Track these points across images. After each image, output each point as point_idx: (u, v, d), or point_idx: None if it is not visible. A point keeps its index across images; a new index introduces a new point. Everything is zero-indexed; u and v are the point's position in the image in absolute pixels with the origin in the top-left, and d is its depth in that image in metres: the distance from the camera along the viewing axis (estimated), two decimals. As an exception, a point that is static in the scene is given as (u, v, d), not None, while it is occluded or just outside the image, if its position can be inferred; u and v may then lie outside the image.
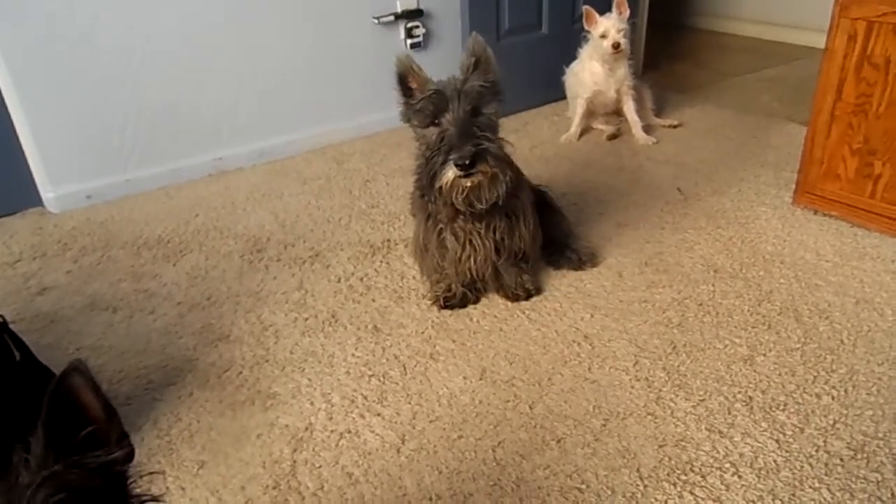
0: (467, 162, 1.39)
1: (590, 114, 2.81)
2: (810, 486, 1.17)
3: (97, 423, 0.65)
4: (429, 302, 1.72)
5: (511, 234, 1.62)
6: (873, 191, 1.91)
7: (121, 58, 2.27)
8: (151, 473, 0.71)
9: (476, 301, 1.73)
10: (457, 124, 1.42)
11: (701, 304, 1.67)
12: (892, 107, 1.80)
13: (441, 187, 1.45)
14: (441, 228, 1.60)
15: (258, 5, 2.47)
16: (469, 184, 1.45)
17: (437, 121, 1.46)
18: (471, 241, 1.59)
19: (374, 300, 1.76)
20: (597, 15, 2.57)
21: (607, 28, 2.55)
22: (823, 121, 1.95)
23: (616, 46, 2.55)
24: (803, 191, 2.07)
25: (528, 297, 1.72)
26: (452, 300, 1.69)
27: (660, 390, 1.41)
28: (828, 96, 1.92)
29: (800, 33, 3.98)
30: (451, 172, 1.42)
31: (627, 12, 2.56)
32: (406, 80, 1.50)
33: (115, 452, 0.65)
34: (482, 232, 1.58)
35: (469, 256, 1.61)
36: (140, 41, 2.28)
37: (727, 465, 1.22)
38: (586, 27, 2.61)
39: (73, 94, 2.23)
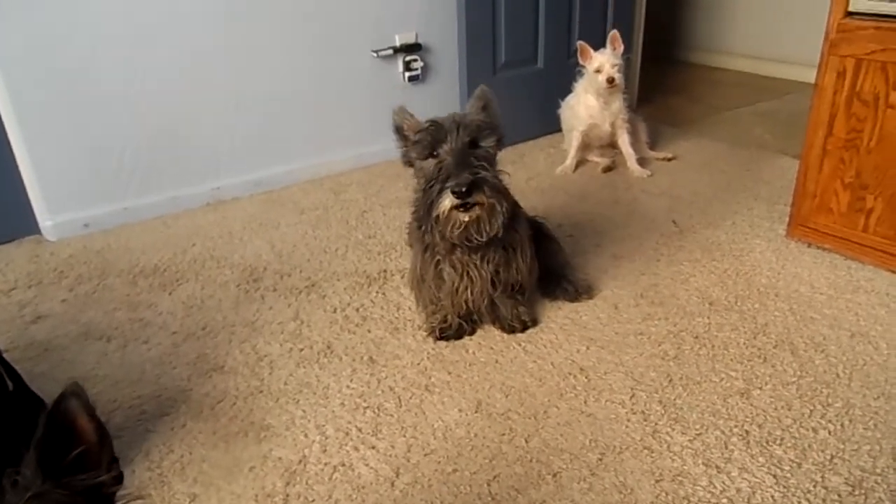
0: (464, 189, 1.39)
1: (585, 146, 2.84)
2: (808, 523, 1.16)
3: (89, 447, 0.66)
4: (424, 333, 1.72)
5: (508, 266, 1.62)
6: (866, 224, 1.92)
7: (120, 87, 2.29)
8: (139, 498, 0.72)
9: (472, 333, 1.72)
10: (454, 154, 1.44)
11: (697, 337, 1.67)
12: (883, 142, 1.83)
13: (438, 216, 1.45)
14: (438, 260, 1.60)
15: (258, 37, 2.51)
16: (467, 219, 1.45)
17: (435, 153, 1.47)
18: (468, 272, 1.59)
19: (369, 331, 1.75)
20: (591, 50, 2.62)
21: (602, 63, 2.59)
22: (815, 155, 1.98)
23: (611, 81, 2.59)
24: (797, 224, 2.09)
25: (524, 329, 1.71)
26: (448, 331, 1.69)
27: (656, 424, 1.40)
28: (819, 131, 1.95)
29: (791, 68, 4.05)
30: (447, 201, 1.42)
31: (622, 48, 2.61)
32: (402, 130, 1.54)
33: (104, 476, 0.67)
34: (478, 264, 1.58)
35: (466, 288, 1.61)
36: (139, 71, 2.31)
37: (724, 501, 1.21)
38: (581, 62, 2.66)
39: (72, 122, 2.25)
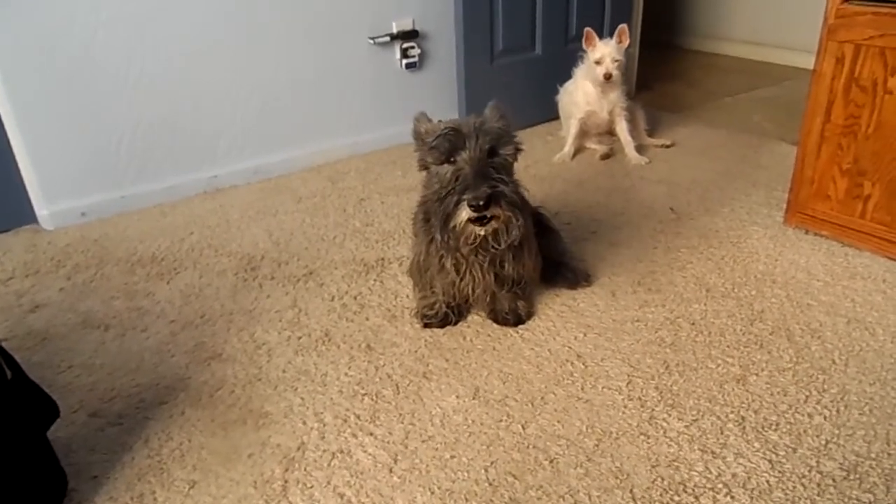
0: (482, 203, 1.37)
1: (583, 133, 2.83)
2: (803, 507, 1.17)
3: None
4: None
5: (515, 263, 1.60)
6: (863, 211, 1.92)
7: (117, 75, 2.29)
8: None
9: (455, 323, 1.71)
10: (473, 163, 1.40)
11: (693, 324, 1.68)
12: (881, 128, 1.82)
13: (454, 227, 1.43)
14: (442, 255, 1.58)
15: (255, 24, 2.49)
16: (482, 233, 1.43)
17: (452, 159, 1.44)
18: (471, 271, 1.57)
19: (367, 319, 1.76)
20: (597, 38, 2.60)
21: (604, 55, 2.57)
22: (813, 141, 1.98)
23: (608, 77, 2.57)
24: (794, 210, 2.09)
25: (517, 323, 1.70)
26: (433, 319, 1.69)
27: (652, 410, 1.41)
28: (817, 118, 1.95)
29: (790, 54, 4.03)
30: (464, 213, 1.40)
31: (627, 42, 2.59)
32: (422, 136, 1.50)
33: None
34: (484, 266, 1.56)
35: (467, 285, 1.60)
36: (137, 59, 2.30)
37: (720, 486, 1.22)
38: (585, 47, 2.64)
39: (69, 110, 2.24)
